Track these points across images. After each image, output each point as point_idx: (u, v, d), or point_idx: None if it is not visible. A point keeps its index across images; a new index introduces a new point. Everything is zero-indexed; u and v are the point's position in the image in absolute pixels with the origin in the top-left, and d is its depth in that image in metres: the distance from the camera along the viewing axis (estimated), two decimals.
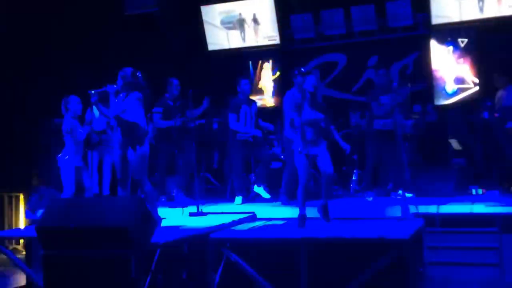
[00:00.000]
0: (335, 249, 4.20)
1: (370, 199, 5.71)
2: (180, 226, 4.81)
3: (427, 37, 7.39)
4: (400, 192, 5.31)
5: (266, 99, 8.33)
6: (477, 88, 7.06)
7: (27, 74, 7.34)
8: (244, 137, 5.96)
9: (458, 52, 7.28)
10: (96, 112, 5.94)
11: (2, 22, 6.88)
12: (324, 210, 4.65)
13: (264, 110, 7.97)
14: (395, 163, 5.62)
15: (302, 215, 4.62)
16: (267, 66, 8.31)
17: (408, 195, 5.04)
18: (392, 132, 5.55)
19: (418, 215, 4.79)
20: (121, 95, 4.45)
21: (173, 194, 6.24)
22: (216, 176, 6.99)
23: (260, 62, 8.29)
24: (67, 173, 5.17)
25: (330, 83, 8.07)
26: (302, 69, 4.77)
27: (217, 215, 5.45)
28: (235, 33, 8.16)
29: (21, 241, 5.51)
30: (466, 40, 7.24)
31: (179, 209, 5.71)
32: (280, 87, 8.16)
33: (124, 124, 4.35)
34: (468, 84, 7.16)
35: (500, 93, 6.02)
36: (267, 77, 8.34)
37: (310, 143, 4.55)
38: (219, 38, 8.19)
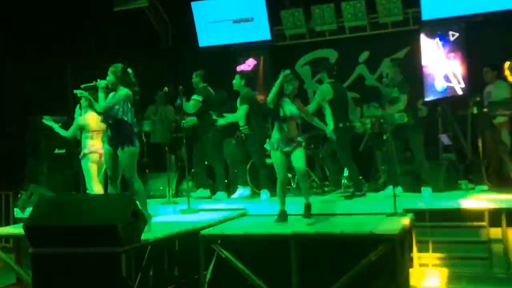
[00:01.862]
0: (326, 244, 4.22)
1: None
2: (171, 222, 4.80)
3: (417, 33, 7.42)
4: (390, 187, 5.33)
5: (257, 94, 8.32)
6: (465, 85, 7.11)
7: (15, 71, 7.28)
8: None
9: (447, 48, 7.32)
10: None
11: None
12: (305, 209, 4.69)
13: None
14: (385, 159, 5.65)
15: (282, 211, 4.69)
16: (258, 62, 8.30)
17: (397, 190, 5.06)
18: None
19: (407, 210, 4.81)
20: (110, 91, 4.42)
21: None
22: (207, 172, 6.97)
23: (250, 58, 8.28)
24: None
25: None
26: (287, 74, 4.78)
27: (208, 211, 5.45)
28: (226, 29, 8.13)
29: (11, 239, 5.47)
30: (455, 35, 7.27)
31: (170, 206, 5.70)
32: (271, 83, 8.15)
33: (112, 121, 4.32)
34: (458, 81, 7.20)
35: (488, 88, 6.06)
36: (258, 73, 8.34)
37: (285, 140, 4.59)
38: (210, 34, 8.16)
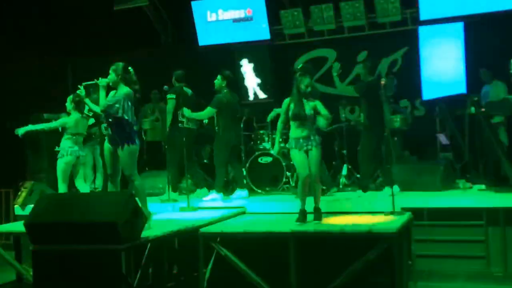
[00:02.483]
0: (324, 242, 4.25)
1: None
2: (171, 220, 4.82)
3: (416, 33, 7.45)
4: (388, 186, 5.36)
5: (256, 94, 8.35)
6: (462, 84, 7.14)
7: (16, 69, 7.30)
8: None
9: (444, 48, 7.36)
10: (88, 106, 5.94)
11: None
12: (315, 213, 4.60)
13: (256, 105, 8.00)
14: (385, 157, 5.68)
15: (302, 210, 4.58)
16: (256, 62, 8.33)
17: (396, 189, 5.09)
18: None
19: (406, 209, 4.84)
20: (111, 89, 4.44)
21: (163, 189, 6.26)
22: (207, 170, 7.00)
23: (249, 57, 8.31)
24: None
25: (320, 78, 8.10)
26: (298, 73, 4.78)
27: (208, 209, 5.47)
28: (226, 28, 8.16)
29: (11, 236, 5.50)
30: (453, 35, 7.30)
31: (169, 204, 5.73)
32: (270, 82, 8.19)
33: (112, 119, 4.34)
34: (454, 80, 7.25)
35: (486, 88, 6.11)
36: (255, 72, 8.37)
37: (301, 139, 4.59)
38: (210, 33, 8.19)
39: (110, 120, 4.34)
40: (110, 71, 4.37)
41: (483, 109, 5.84)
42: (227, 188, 6.32)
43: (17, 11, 7.22)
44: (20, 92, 7.20)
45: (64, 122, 5.49)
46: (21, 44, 7.26)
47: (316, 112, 4.64)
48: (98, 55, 6.76)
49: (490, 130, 5.73)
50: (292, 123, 4.64)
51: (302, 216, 4.50)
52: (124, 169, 4.36)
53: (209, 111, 5.90)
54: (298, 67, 5.21)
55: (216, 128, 5.97)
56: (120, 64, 4.39)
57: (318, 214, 4.55)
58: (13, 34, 7.25)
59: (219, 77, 6.04)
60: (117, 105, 4.29)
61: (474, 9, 7.08)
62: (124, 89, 4.34)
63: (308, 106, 4.62)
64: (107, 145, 4.42)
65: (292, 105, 4.60)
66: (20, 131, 5.35)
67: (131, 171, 4.34)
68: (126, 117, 4.31)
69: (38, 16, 7.30)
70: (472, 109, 5.95)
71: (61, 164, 5.38)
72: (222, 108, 5.91)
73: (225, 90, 6.00)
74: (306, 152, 4.58)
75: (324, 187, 5.88)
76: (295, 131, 4.61)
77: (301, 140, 4.56)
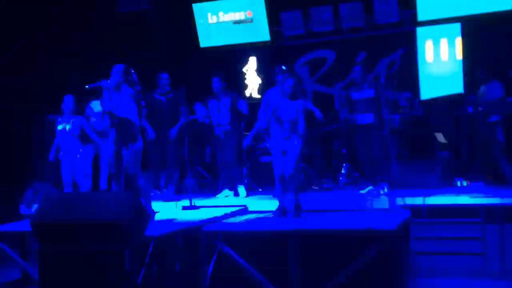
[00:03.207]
0: (325, 240, 4.30)
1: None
2: (173, 219, 4.88)
3: (414, 34, 7.52)
4: (386, 187, 5.43)
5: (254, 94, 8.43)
6: (460, 84, 7.21)
7: (21, 72, 7.35)
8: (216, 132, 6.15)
9: (442, 48, 7.43)
10: (94, 107, 6.04)
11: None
12: (295, 208, 4.79)
13: (256, 105, 8.05)
14: (381, 157, 5.75)
15: (281, 207, 4.80)
16: (256, 62, 8.40)
17: (394, 187, 5.16)
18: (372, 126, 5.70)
19: (405, 206, 4.90)
20: (114, 91, 4.51)
21: (165, 189, 6.33)
22: (208, 170, 7.08)
23: (250, 58, 8.38)
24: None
25: (319, 79, 8.19)
26: (284, 67, 4.92)
27: (210, 208, 5.53)
28: (226, 30, 8.23)
29: (17, 235, 5.56)
30: (450, 36, 7.37)
31: (172, 203, 5.79)
32: (270, 83, 8.24)
33: (117, 120, 4.41)
34: (451, 80, 7.32)
35: (483, 88, 6.17)
36: (255, 72, 8.44)
37: (282, 139, 4.69)
38: (211, 35, 8.26)
39: (115, 121, 4.41)
40: (113, 73, 4.45)
41: (480, 109, 5.92)
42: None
43: (22, 14, 7.29)
44: (26, 94, 7.25)
45: None
46: (27, 48, 7.34)
47: (304, 111, 4.78)
48: (101, 57, 6.82)
49: (487, 129, 5.81)
50: (275, 123, 4.77)
51: (281, 212, 4.74)
52: (128, 168, 4.43)
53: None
54: (282, 68, 5.28)
55: (231, 127, 6.03)
56: (122, 66, 4.47)
57: (298, 211, 4.74)
58: (19, 37, 7.32)
59: (215, 80, 6.13)
60: (120, 107, 4.36)
61: (471, 10, 7.15)
62: (127, 91, 4.42)
63: (293, 107, 4.71)
64: (110, 145, 4.49)
65: (275, 105, 4.71)
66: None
67: (136, 170, 4.41)
68: (130, 118, 4.39)
69: (43, 19, 7.36)
70: (470, 109, 6.03)
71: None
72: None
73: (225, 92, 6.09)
74: (284, 152, 4.71)
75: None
76: (276, 131, 4.72)
77: (282, 140, 4.67)
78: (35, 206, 4.79)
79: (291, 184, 4.74)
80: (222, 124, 6.11)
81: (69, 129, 5.92)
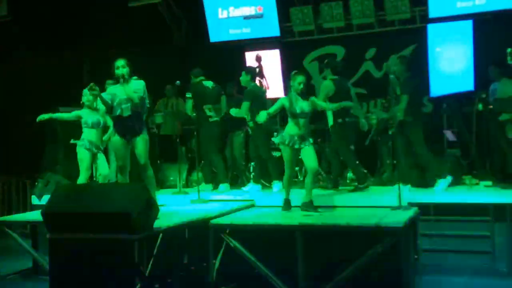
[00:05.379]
0: (331, 235, 4.33)
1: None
2: (182, 212, 4.92)
3: (424, 30, 7.48)
4: (395, 181, 5.42)
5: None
6: (470, 82, 7.16)
7: (35, 64, 7.44)
8: None
9: (453, 45, 7.38)
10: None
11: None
12: (305, 205, 4.83)
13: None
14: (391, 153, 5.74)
15: (286, 200, 4.90)
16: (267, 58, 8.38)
17: (403, 184, 5.15)
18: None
19: (412, 203, 4.90)
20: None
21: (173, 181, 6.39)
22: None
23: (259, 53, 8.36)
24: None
25: None
26: (293, 72, 4.95)
27: (218, 201, 5.57)
28: (237, 25, 8.24)
29: (28, 225, 5.64)
30: (462, 33, 7.32)
31: (180, 196, 5.84)
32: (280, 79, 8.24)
33: (133, 112, 4.47)
34: (462, 77, 7.27)
35: (494, 86, 6.13)
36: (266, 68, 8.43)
37: (296, 137, 4.71)
38: (221, 29, 8.28)
39: (129, 113, 4.46)
40: (125, 64, 4.48)
41: (490, 106, 5.88)
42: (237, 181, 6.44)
43: (35, 8, 7.37)
44: (39, 87, 7.35)
45: (78, 115, 5.59)
46: (40, 41, 7.42)
47: (315, 107, 4.82)
48: (112, 51, 6.88)
49: (497, 127, 5.77)
50: (289, 120, 4.82)
51: (287, 205, 4.82)
52: (140, 158, 4.49)
53: (245, 105, 6.00)
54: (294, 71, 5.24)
55: (251, 121, 6.05)
56: (125, 60, 4.50)
57: (308, 207, 4.77)
58: (32, 31, 7.41)
59: (243, 73, 6.21)
60: (129, 99, 4.43)
61: (483, 7, 7.08)
62: (140, 82, 4.49)
63: (304, 103, 4.73)
64: (117, 138, 4.53)
65: (288, 103, 4.76)
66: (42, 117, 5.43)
67: (146, 159, 4.48)
68: (140, 110, 4.47)
69: (56, 14, 7.44)
70: (480, 106, 5.98)
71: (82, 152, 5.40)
72: (256, 100, 6.04)
73: (252, 84, 6.15)
74: (298, 150, 4.72)
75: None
76: (291, 128, 4.76)
77: (295, 138, 4.71)
78: (47, 197, 4.85)
79: (312, 180, 4.78)
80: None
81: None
